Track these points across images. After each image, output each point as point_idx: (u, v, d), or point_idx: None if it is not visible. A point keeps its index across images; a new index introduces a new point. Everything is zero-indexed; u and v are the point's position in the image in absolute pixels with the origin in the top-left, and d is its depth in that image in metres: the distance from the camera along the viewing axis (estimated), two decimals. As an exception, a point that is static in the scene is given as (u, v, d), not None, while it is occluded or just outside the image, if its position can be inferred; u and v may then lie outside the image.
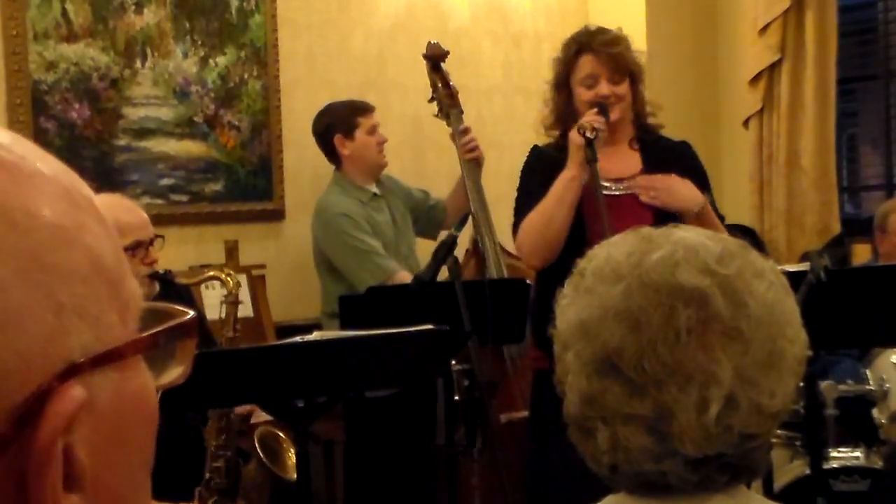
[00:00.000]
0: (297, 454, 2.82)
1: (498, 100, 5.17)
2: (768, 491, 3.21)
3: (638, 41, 3.58)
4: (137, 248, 2.95)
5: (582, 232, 3.08)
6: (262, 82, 4.37)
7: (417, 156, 4.43)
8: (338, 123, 4.16)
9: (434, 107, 4.22)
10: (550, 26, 5.34)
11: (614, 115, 3.20)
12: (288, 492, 3.02)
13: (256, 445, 3.01)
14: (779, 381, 1.14)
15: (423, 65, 4.26)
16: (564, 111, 3.27)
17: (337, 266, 4.05)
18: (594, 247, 1.24)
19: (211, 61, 4.24)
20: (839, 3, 5.21)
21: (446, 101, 4.19)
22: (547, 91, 3.37)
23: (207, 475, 2.96)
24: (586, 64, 3.25)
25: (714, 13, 5.61)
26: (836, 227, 5.19)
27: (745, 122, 5.33)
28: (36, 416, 0.50)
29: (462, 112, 4.20)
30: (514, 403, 4.07)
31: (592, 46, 3.25)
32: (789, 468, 3.59)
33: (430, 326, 2.74)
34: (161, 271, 3.00)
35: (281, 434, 3.09)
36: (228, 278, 3.08)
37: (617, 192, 3.25)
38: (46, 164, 0.56)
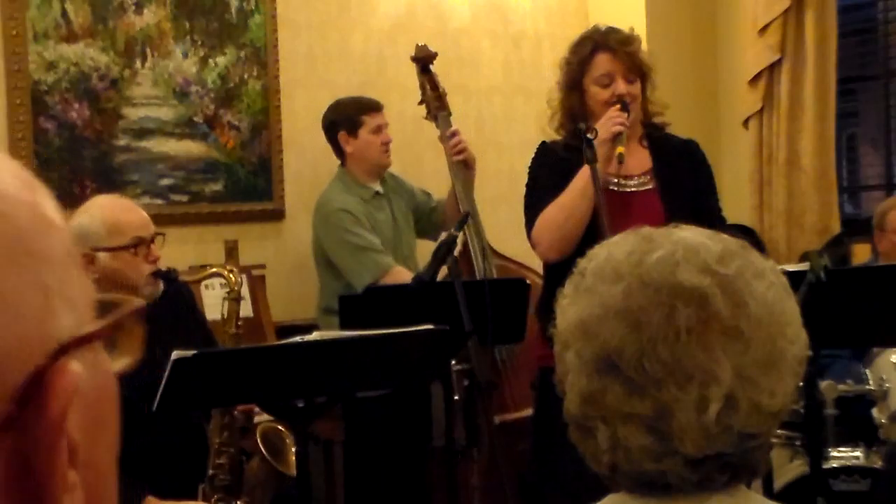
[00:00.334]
0: (296, 454, 2.82)
1: (498, 100, 5.17)
2: (768, 490, 3.21)
3: (638, 41, 3.58)
4: (139, 246, 2.96)
5: (593, 229, 3.08)
6: (261, 82, 4.37)
7: (417, 156, 4.43)
8: (343, 120, 4.17)
9: (423, 109, 4.22)
10: (550, 26, 5.34)
11: (630, 115, 3.20)
12: (291, 489, 3.02)
13: (259, 442, 3.01)
14: (779, 380, 1.14)
15: (422, 65, 4.26)
16: (578, 111, 3.26)
17: (334, 261, 4.05)
18: (595, 246, 1.25)
19: (211, 61, 4.24)
20: (839, 3, 5.21)
21: (434, 103, 4.19)
22: (554, 91, 3.35)
23: (211, 472, 2.96)
24: (602, 62, 3.25)
25: (714, 13, 5.61)
26: (836, 227, 5.19)
27: (745, 122, 5.33)
28: (37, 394, 0.52)
29: (450, 114, 4.20)
30: (506, 405, 4.07)
31: (608, 45, 3.25)
32: (789, 468, 3.59)
33: (429, 326, 2.74)
34: (164, 269, 3.00)
35: (283, 430, 3.09)
36: (231, 275, 3.09)
37: (629, 190, 3.26)
38: (3, 155, 0.58)
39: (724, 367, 1.11)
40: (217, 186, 4.28)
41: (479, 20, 5.09)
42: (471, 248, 4.08)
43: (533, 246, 3.30)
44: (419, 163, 4.45)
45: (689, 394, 1.11)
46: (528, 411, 4.14)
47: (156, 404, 2.58)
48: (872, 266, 4.00)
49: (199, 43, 4.21)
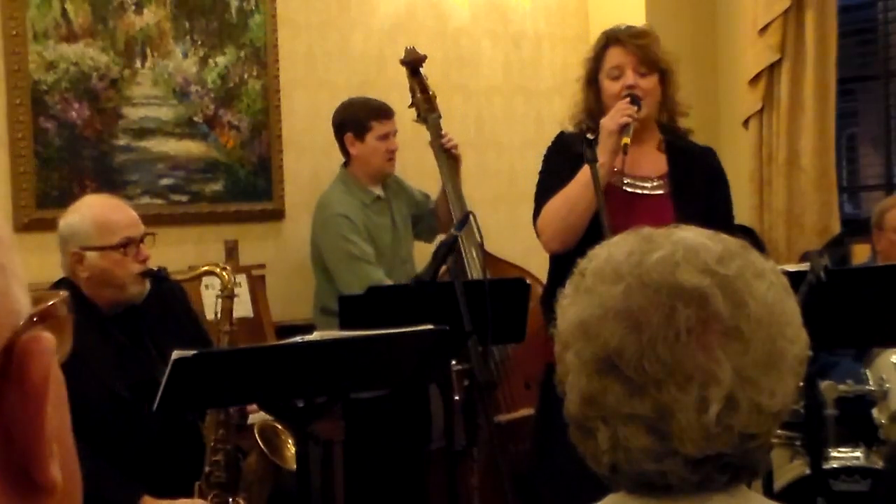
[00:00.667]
0: (296, 454, 2.82)
1: (498, 100, 5.17)
2: (768, 491, 3.21)
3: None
4: (129, 246, 2.96)
5: (600, 226, 3.07)
6: (261, 82, 4.37)
7: (417, 156, 4.43)
8: (351, 122, 4.16)
9: (414, 112, 4.23)
10: (550, 26, 5.34)
11: (641, 111, 3.18)
12: (289, 486, 3.02)
13: (257, 436, 3.01)
14: (779, 381, 1.14)
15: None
16: (594, 107, 3.26)
17: (327, 265, 4.06)
18: (595, 246, 1.25)
19: (211, 61, 4.24)
20: (839, 3, 5.21)
21: (424, 105, 4.19)
22: (577, 90, 3.36)
23: (207, 469, 2.96)
24: (613, 55, 3.26)
25: (714, 13, 5.61)
26: (836, 227, 5.19)
27: (745, 122, 5.33)
28: (14, 365, 0.53)
29: (440, 117, 4.20)
30: (500, 407, 4.07)
31: (619, 38, 3.26)
32: (789, 468, 3.59)
33: (429, 326, 2.74)
34: (155, 268, 3.00)
35: (280, 426, 3.09)
36: (223, 273, 3.08)
37: (642, 192, 3.26)
38: None
39: (725, 368, 1.11)
40: (217, 186, 4.28)
41: (479, 20, 5.09)
42: (463, 249, 4.08)
43: (537, 235, 3.30)
44: (419, 163, 4.44)
45: (690, 394, 1.11)
46: (523, 412, 4.15)
47: (156, 404, 2.58)
48: (872, 266, 4.00)
49: (199, 43, 4.21)
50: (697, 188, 3.26)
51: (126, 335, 3.00)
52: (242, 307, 3.98)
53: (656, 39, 3.30)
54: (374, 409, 3.76)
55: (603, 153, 3.13)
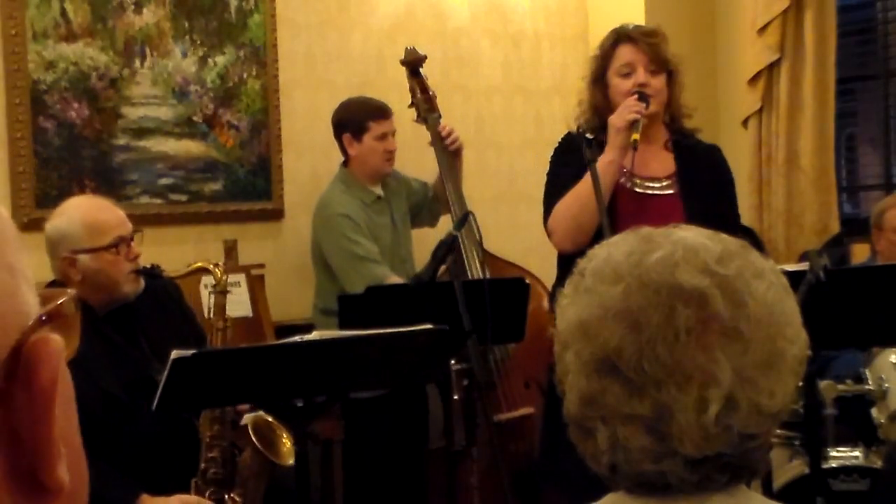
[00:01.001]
0: (295, 454, 2.82)
1: (497, 99, 5.17)
2: (767, 490, 3.22)
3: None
4: (120, 245, 2.94)
5: (612, 225, 3.06)
6: (261, 82, 4.37)
7: (417, 155, 4.43)
8: (349, 122, 4.17)
9: (414, 112, 4.23)
10: (550, 26, 5.34)
11: (650, 108, 3.18)
12: (285, 482, 3.02)
13: (251, 432, 3.01)
14: (778, 381, 1.14)
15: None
16: (601, 106, 3.26)
17: (331, 265, 4.06)
18: (594, 246, 1.25)
19: (210, 61, 4.24)
20: (838, 3, 5.21)
21: (424, 105, 4.20)
22: (582, 89, 3.36)
23: (203, 466, 2.96)
24: (623, 53, 3.25)
25: (713, 13, 5.61)
26: (835, 227, 5.19)
27: (744, 122, 5.33)
28: (22, 367, 0.53)
29: (440, 117, 4.21)
30: (500, 406, 4.07)
31: (630, 36, 3.26)
32: (788, 467, 3.59)
33: (429, 326, 2.74)
34: (148, 266, 2.99)
35: (274, 422, 3.09)
36: (216, 269, 3.08)
37: (650, 192, 3.26)
38: None
39: (724, 368, 1.11)
40: (216, 186, 4.28)
41: (479, 20, 5.09)
42: (463, 249, 4.08)
43: (548, 236, 3.30)
44: (419, 163, 4.44)
45: (689, 394, 1.11)
46: (523, 411, 4.16)
47: (155, 404, 2.58)
48: (871, 266, 4.00)
49: (199, 42, 4.21)
50: (705, 187, 3.26)
51: (120, 334, 2.99)
52: (241, 307, 3.98)
53: (665, 39, 3.31)
54: (374, 409, 3.76)
55: (611, 150, 3.13)
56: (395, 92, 4.38)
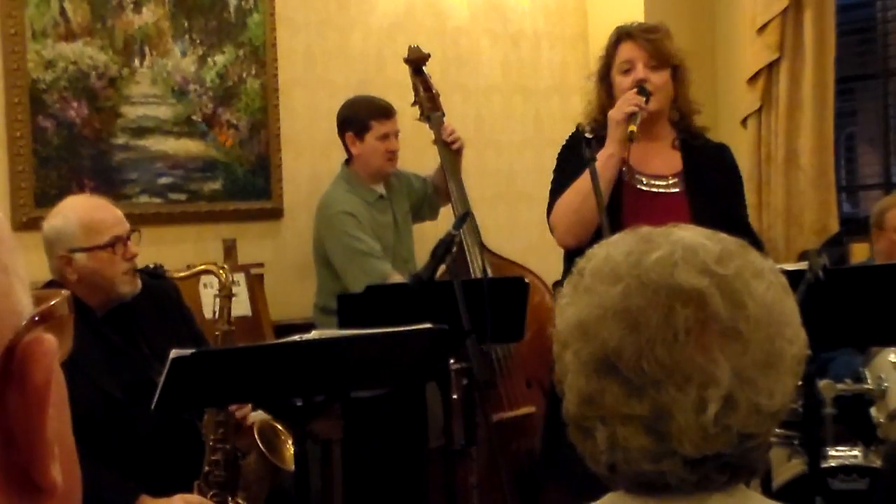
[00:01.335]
0: (295, 453, 2.82)
1: (497, 99, 5.17)
2: (767, 490, 3.22)
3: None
4: (117, 245, 2.94)
5: (615, 221, 3.05)
6: (260, 81, 4.37)
7: (417, 155, 4.43)
8: (352, 121, 4.16)
9: (417, 110, 4.23)
10: (549, 26, 5.34)
11: (651, 104, 3.18)
12: (288, 485, 3.02)
13: (256, 437, 3.01)
14: (777, 380, 1.14)
15: (421, 64, 4.27)
16: (606, 104, 3.26)
17: (333, 263, 4.06)
18: (594, 245, 1.25)
19: (209, 60, 4.23)
20: (837, 2, 5.21)
21: (427, 104, 4.20)
22: (590, 89, 3.36)
23: (206, 469, 2.96)
24: (624, 50, 3.26)
25: (712, 12, 5.61)
26: (835, 226, 5.19)
27: (744, 122, 5.33)
28: (15, 367, 0.53)
29: (443, 115, 4.21)
30: (502, 404, 4.07)
31: (630, 33, 3.26)
32: (788, 467, 3.59)
33: (428, 325, 2.74)
34: (151, 266, 2.99)
35: (279, 426, 3.09)
36: (221, 272, 3.08)
37: (656, 190, 3.25)
38: None
39: (723, 368, 1.11)
40: (215, 185, 4.27)
41: (478, 19, 5.09)
42: (465, 247, 4.08)
43: (551, 231, 3.29)
44: (419, 163, 4.44)
45: (688, 395, 1.11)
46: (524, 410, 4.16)
47: (154, 404, 2.58)
48: (871, 265, 4.00)
49: (198, 42, 4.21)
50: (712, 186, 3.25)
51: (119, 335, 2.99)
52: (241, 306, 3.97)
53: (668, 35, 3.30)
54: (373, 408, 3.76)
55: (611, 144, 3.13)
56: (394, 91, 4.37)
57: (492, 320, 3.07)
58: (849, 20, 5.52)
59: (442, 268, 3.15)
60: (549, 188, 3.34)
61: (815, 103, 5.15)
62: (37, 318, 0.55)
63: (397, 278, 3.92)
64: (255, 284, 4.18)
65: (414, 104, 4.22)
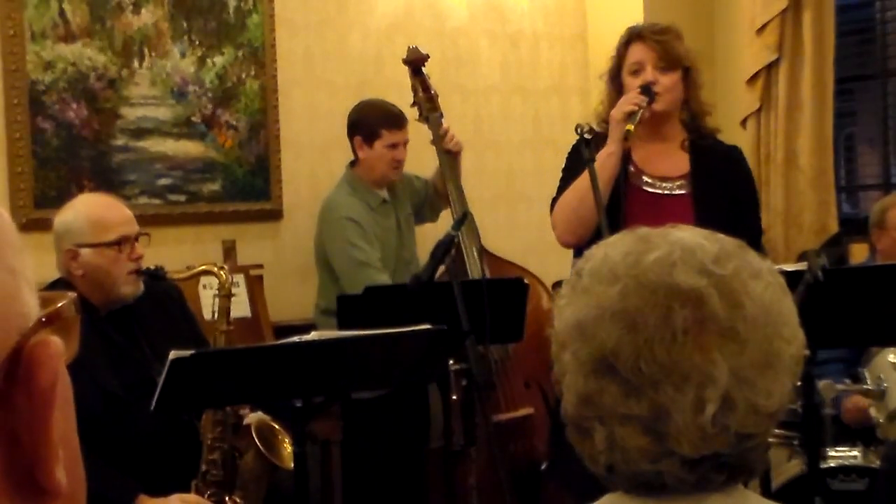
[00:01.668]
0: (294, 454, 2.82)
1: (496, 99, 5.17)
2: (766, 490, 3.21)
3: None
4: (123, 244, 2.96)
5: (616, 221, 3.03)
6: (259, 82, 4.37)
7: (416, 155, 4.42)
8: (363, 126, 4.15)
9: (416, 111, 4.23)
10: (548, 26, 5.34)
11: (659, 105, 3.18)
12: (286, 484, 3.02)
13: (254, 435, 3.01)
14: (775, 381, 1.14)
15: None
16: (616, 103, 3.25)
17: (333, 267, 4.06)
18: (592, 247, 1.25)
19: (209, 61, 4.24)
20: (837, 3, 5.21)
21: (427, 105, 4.19)
22: (602, 89, 3.36)
23: (203, 468, 2.96)
24: (634, 52, 3.26)
25: (711, 13, 5.61)
26: (834, 227, 5.19)
27: (743, 122, 5.33)
28: (22, 369, 0.53)
29: (442, 116, 4.20)
30: (500, 406, 4.07)
31: (641, 34, 3.26)
32: (787, 467, 3.59)
33: (427, 326, 2.74)
34: (153, 267, 3.00)
35: (276, 426, 3.10)
36: (221, 272, 3.09)
37: (662, 192, 3.25)
38: None
39: (721, 368, 1.11)
40: (215, 186, 4.28)
41: (477, 20, 5.09)
42: (463, 245, 4.08)
43: (552, 229, 3.30)
44: (418, 162, 4.44)
45: (686, 395, 1.11)
46: (523, 411, 4.16)
47: (154, 405, 2.58)
48: (870, 266, 4.00)
49: (197, 43, 4.21)
50: (721, 188, 3.23)
51: (122, 334, 3.00)
52: (240, 307, 3.98)
53: (678, 36, 3.29)
54: (373, 409, 3.76)
55: (611, 142, 3.13)
56: (393, 91, 4.37)
57: (491, 321, 3.07)
58: (848, 21, 5.52)
59: (441, 269, 3.16)
60: (557, 188, 3.34)
61: (815, 104, 5.15)
62: (43, 320, 0.55)
63: None
64: (255, 285, 4.18)
65: (413, 105, 4.22)
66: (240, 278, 4.06)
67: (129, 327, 3.02)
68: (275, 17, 4.42)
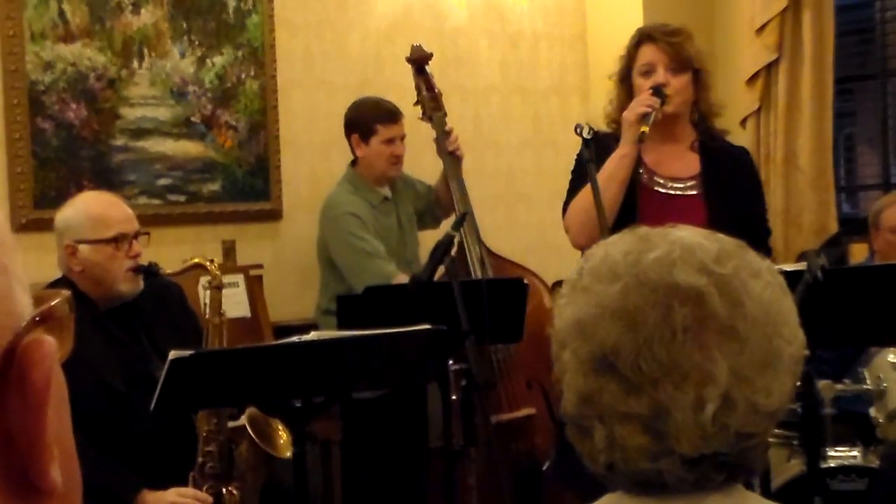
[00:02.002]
0: (294, 454, 2.82)
1: (495, 99, 5.17)
2: (766, 490, 3.21)
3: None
4: (121, 241, 2.97)
5: (630, 222, 3.03)
6: (259, 82, 4.37)
7: (416, 155, 4.43)
8: (358, 123, 4.15)
9: (419, 110, 4.23)
10: (548, 26, 5.34)
11: (670, 107, 3.17)
12: (282, 475, 3.03)
13: (247, 426, 3.02)
14: (775, 380, 1.14)
15: (420, 64, 4.26)
16: (626, 104, 3.25)
17: (338, 264, 4.05)
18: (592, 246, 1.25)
19: (208, 61, 4.24)
20: (836, 3, 5.21)
21: (430, 104, 4.19)
22: (611, 89, 3.36)
23: (200, 460, 2.97)
24: (645, 53, 3.26)
25: (711, 13, 5.61)
26: (834, 227, 5.19)
27: (743, 122, 5.33)
28: (15, 368, 0.53)
29: (446, 115, 4.20)
30: (501, 405, 4.07)
31: (652, 35, 3.26)
32: (787, 467, 3.59)
33: (427, 326, 2.74)
34: (146, 264, 3.01)
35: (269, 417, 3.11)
36: (211, 265, 3.10)
37: (673, 192, 3.25)
38: None
39: (721, 367, 1.11)
40: (214, 186, 4.28)
41: (477, 20, 5.09)
42: (466, 248, 4.08)
43: (566, 232, 3.30)
44: (418, 163, 4.44)
45: (686, 393, 1.11)
46: (524, 411, 4.15)
47: (153, 404, 2.58)
48: (870, 265, 4.00)
49: (197, 43, 4.21)
50: (730, 189, 3.24)
51: (122, 330, 3.02)
52: (240, 307, 3.98)
53: (689, 38, 3.29)
54: (372, 409, 3.76)
55: (625, 144, 3.14)
56: (393, 92, 4.38)
57: (491, 321, 3.07)
58: (848, 21, 5.52)
59: (441, 269, 3.16)
60: (567, 190, 3.34)
61: (814, 104, 5.15)
62: (37, 319, 0.55)
63: (402, 279, 3.92)
64: (255, 286, 4.18)
65: (416, 104, 4.22)
66: (239, 278, 4.06)
67: (130, 324, 3.04)
68: (274, 17, 4.42)
